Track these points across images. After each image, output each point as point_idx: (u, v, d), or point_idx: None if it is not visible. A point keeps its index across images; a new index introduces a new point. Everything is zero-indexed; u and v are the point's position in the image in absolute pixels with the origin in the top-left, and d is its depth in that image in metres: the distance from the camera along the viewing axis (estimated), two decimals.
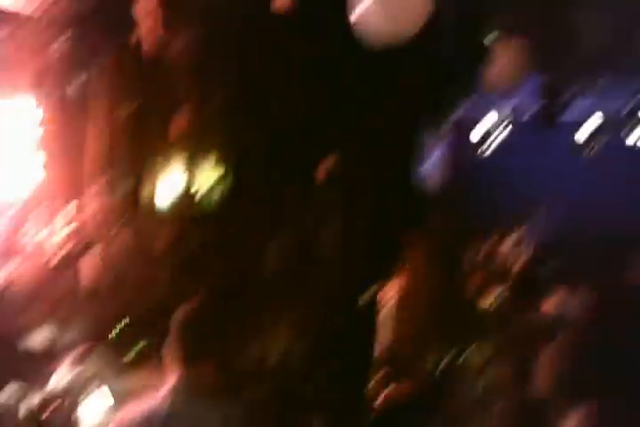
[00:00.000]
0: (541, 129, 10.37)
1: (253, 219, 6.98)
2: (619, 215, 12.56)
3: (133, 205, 6.81)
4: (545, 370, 4.23)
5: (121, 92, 6.83)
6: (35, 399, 5.71)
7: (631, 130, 10.86)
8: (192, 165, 6.58)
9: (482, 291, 9.43)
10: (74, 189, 7.18)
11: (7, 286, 6.67)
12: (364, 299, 6.40)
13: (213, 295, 4.68)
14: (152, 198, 6.40)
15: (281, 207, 7.32)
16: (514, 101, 11.20)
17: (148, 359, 5.53)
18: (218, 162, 6.57)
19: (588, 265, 7.75)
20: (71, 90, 7.02)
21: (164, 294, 5.91)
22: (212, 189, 6.52)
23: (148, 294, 5.97)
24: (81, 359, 5.84)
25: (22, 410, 5.68)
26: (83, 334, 6.31)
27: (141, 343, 5.62)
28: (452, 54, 8.29)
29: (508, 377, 5.42)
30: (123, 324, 6.01)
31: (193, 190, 6.58)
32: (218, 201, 6.53)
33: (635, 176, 12.53)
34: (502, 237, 10.49)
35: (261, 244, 7.07)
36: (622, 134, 10.96)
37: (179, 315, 4.15)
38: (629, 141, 11.12)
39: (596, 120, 11.12)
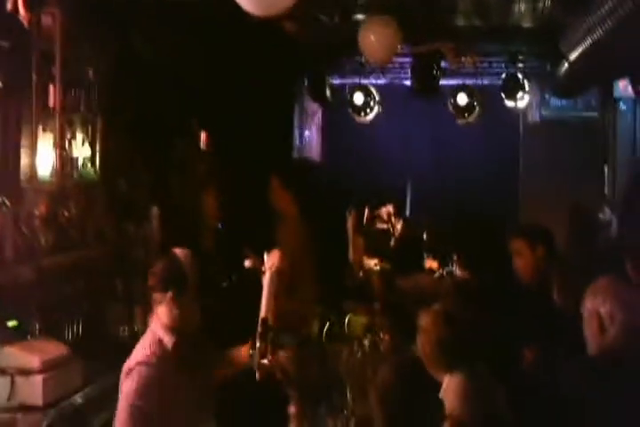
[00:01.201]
0: (420, 96, 10.45)
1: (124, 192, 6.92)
2: (494, 180, 12.85)
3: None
4: (425, 333, 4.26)
5: None
6: None
7: (510, 94, 11.04)
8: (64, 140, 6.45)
9: (361, 260, 9.49)
10: None
11: None
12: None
13: None
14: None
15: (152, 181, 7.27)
16: (391, 70, 11.28)
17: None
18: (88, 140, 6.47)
19: (463, 233, 7.81)
20: None
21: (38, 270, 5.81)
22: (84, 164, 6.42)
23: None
24: None
25: None
26: None
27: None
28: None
29: (390, 340, 5.48)
30: None
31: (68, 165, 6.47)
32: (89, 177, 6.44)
33: (511, 139, 12.82)
34: (379, 206, 10.56)
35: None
36: (502, 98, 11.14)
37: None
38: (509, 104, 11.31)
39: (474, 86, 11.28)
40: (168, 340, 4.32)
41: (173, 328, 4.34)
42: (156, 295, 4.35)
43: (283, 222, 8.07)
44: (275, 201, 8.13)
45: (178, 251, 4.48)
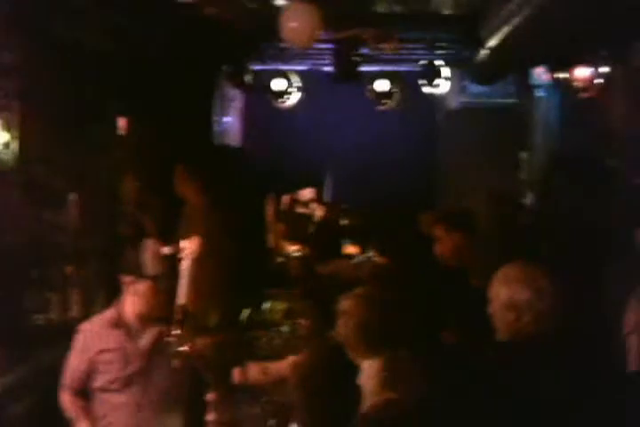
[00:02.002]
0: (341, 82, 10.45)
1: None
2: (414, 165, 12.95)
3: None
4: (346, 318, 4.27)
5: None
6: None
7: (429, 81, 11.08)
8: None
9: (281, 246, 9.50)
10: None
11: None
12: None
13: None
14: None
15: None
16: (312, 56, 11.26)
17: None
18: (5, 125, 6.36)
19: (381, 218, 7.88)
20: None
21: None
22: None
23: None
24: None
25: None
26: None
27: None
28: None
29: (310, 326, 5.48)
30: None
31: None
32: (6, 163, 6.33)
33: (430, 125, 12.91)
34: (299, 192, 10.59)
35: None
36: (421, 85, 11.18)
37: None
38: (428, 91, 11.35)
39: (394, 73, 11.31)
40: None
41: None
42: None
43: (190, 211, 8.07)
44: (179, 190, 8.13)
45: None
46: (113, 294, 5.36)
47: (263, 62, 11.29)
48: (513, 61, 8.39)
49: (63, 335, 5.42)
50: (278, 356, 5.39)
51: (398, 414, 3.74)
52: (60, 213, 7.02)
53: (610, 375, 3.57)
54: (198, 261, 5.26)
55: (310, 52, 10.68)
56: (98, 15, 7.21)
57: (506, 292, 3.93)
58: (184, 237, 6.75)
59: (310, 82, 11.78)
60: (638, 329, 3.05)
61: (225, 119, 11.89)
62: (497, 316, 3.99)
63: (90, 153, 7.44)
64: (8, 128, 6.26)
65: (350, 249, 9.54)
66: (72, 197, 7.12)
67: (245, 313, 7.49)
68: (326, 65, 11.00)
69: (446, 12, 9.30)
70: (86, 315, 6.23)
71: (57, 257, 6.81)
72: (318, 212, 10.50)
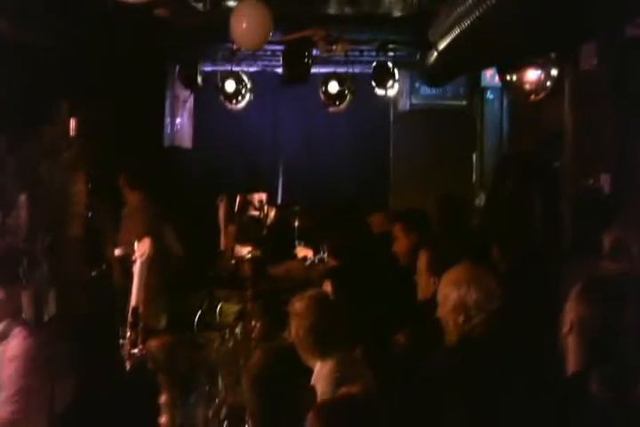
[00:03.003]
0: (291, 83, 10.45)
1: None
2: (366, 166, 12.99)
3: None
4: (298, 319, 4.28)
5: None
6: None
7: (380, 83, 11.12)
8: None
9: (233, 248, 9.48)
10: None
11: None
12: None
13: None
14: None
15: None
16: (263, 58, 11.26)
17: None
18: None
19: (332, 220, 7.89)
20: None
21: None
22: None
23: None
24: None
25: None
26: None
27: None
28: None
29: (262, 328, 5.49)
30: None
31: None
32: None
33: (382, 126, 12.95)
34: (251, 193, 10.58)
35: None
36: (372, 86, 11.22)
37: None
38: (379, 93, 11.39)
39: (345, 74, 11.33)
40: None
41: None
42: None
43: (131, 213, 8.07)
44: (123, 193, 8.18)
45: None
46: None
47: (214, 63, 11.28)
48: (463, 63, 8.43)
49: None
50: (231, 358, 5.38)
51: (355, 405, 3.76)
52: (10, 214, 6.96)
53: (551, 377, 3.60)
54: (149, 263, 5.23)
55: (261, 53, 10.70)
56: (42, 16, 7.17)
57: (455, 294, 3.96)
58: (125, 239, 6.74)
59: (261, 83, 11.78)
60: (575, 329, 3.10)
61: (177, 120, 11.85)
62: (446, 318, 4.02)
63: (40, 154, 7.39)
64: None
65: (302, 251, 9.56)
66: (22, 198, 7.07)
67: (198, 315, 7.50)
68: (277, 66, 11.01)
69: (397, 13, 9.34)
70: (37, 315, 6.18)
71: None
72: (271, 214, 10.51)
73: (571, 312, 3.16)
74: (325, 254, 7.89)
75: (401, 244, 5.99)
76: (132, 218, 8.11)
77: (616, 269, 4.36)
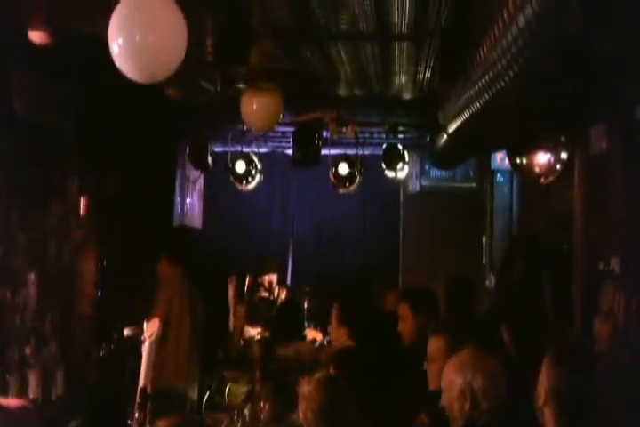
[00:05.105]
0: (301, 165, 10.51)
1: None
2: (375, 248, 13.01)
3: None
4: (307, 401, 4.23)
5: None
6: None
7: (390, 165, 11.17)
8: None
9: (242, 328, 9.44)
10: None
11: None
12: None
13: None
14: None
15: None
16: (273, 139, 11.36)
17: None
18: None
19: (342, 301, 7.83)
20: None
21: None
22: None
23: None
24: None
25: None
26: None
27: None
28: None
29: (270, 409, 5.44)
30: None
31: None
32: None
33: (392, 208, 13.00)
34: (261, 274, 10.60)
35: None
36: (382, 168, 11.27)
37: None
38: (389, 175, 11.45)
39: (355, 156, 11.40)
40: None
41: None
42: None
43: (163, 287, 8.05)
44: (158, 268, 8.16)
45: None
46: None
47: (224, 144, 11.37)
48: (473, 146, 8.49)
49: None
50: None
51: None
52: (19, 293, 6.95)
53: None
54: (159, 343, 5.22)
55: (271, 134, 10.78)
56: (55, 95, 7.26)
57: (460, 380, 3.89)
58: (153, 318, 6.72)
59: (271, 164, 11.87)
60: (549, 401, 3.07)
61: (186, 200, 11.91)
62: (452, 406, 3.93)
63: (50, 233, 7.41)
64: None
65: (312, 333, 9.52)
66: (31, 277, 7.07)
67: (206, 395, 7.43)
68: (287, 147, 11.09)
69: (407, 96, 9.44)
70: (45, 396, 6.14)
71: (16, 337, 6.73)
72: (281, 294, 10.50)
73: (542, 384, 3.15)
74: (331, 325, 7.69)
75: (406, 324, 5.85)
76: (170, 291, 8.08)
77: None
